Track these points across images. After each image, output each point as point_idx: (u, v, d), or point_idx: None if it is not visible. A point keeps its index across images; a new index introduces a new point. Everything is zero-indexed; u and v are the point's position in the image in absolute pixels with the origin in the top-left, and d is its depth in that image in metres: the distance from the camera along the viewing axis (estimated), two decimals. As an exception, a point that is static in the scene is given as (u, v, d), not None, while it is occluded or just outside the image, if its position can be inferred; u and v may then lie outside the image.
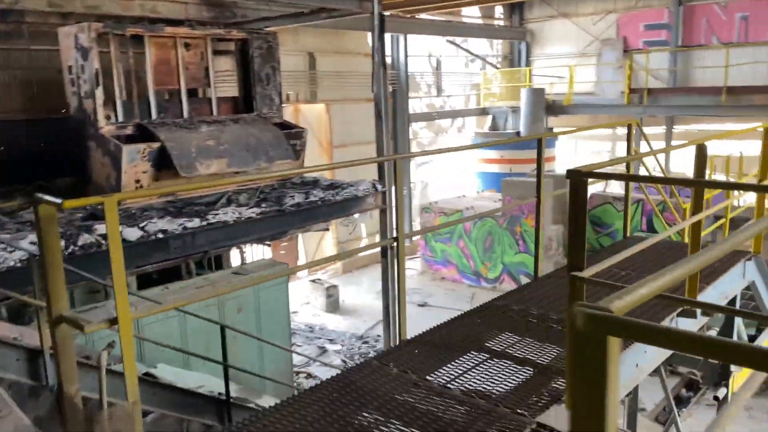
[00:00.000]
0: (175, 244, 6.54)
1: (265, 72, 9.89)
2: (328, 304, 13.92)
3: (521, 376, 3.50)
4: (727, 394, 6.08)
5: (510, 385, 3.41)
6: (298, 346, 11.65)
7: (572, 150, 22.80)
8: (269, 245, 9.15)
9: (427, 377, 3.50)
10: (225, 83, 11.77)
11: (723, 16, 18.89)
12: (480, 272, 15.61)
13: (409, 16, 17.71)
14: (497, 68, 22.62)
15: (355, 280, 16.65)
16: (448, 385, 3.40)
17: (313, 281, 14.68)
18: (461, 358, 3.71)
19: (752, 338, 6.81)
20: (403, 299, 4.02)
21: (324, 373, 11.05)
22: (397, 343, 4.00)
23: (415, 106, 19.38)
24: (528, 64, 22.89)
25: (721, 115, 17.91)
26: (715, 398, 6.07)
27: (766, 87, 16.63)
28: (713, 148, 19.81)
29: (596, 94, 20.62)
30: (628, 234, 6.79)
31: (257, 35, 9.59)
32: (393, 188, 3.93)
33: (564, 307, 4.52)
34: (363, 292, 15.18)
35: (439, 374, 3.53)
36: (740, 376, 6.21)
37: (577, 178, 2.97)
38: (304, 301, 14.30)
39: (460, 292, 15.37)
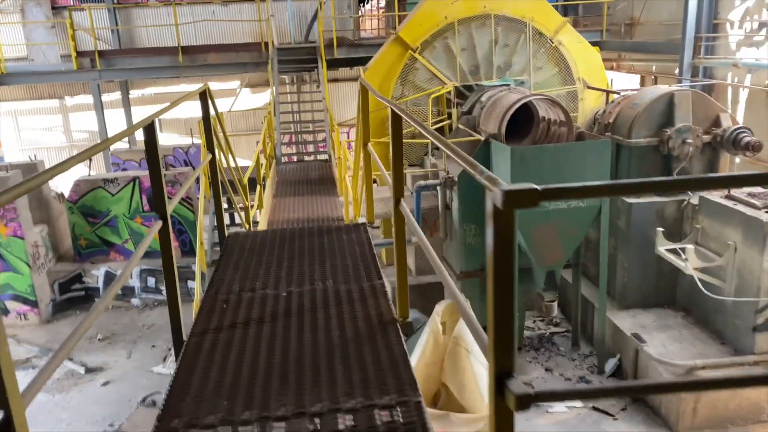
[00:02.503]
0: None
1: None
2: None
3: None
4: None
5: None
6: None
7: (14, 129, 18.72)
8: None
9: None
10: None
11: (155, -27, 18.07)
12: (-59, 315, 11.13)
13: None
14: None
15: None
16: None
17: None
18: None
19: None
20: None
21: None
22: None
23: None
24: None
25: (179, 75, 17.43)
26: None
27: (218, 46, 16.86)
28: (173, 111, 19.34)
29: (32, 60, 17.12)
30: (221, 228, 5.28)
31: None
32: None
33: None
34: None
35: None
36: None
37: (514, 206, 1.43)
38: None
39: None
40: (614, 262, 9.64)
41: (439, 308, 8.97)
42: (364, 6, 22.89)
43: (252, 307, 3.82)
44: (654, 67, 15.51)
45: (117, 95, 19.02)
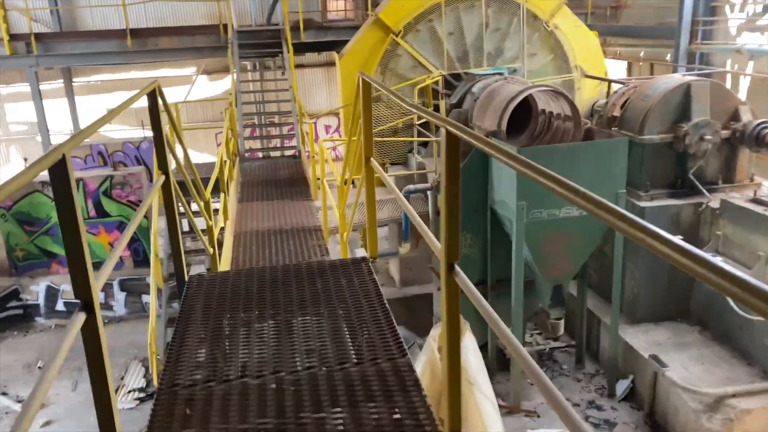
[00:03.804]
0: None
1: None
2: None
3: None
4: None
5: None
6: None
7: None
8: None
9: None
10: None
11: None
12: None
13: None
14: None
15: None
16: None
17: None
18: None
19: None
20: None
21: None
22: None
23: None
24: None
25: (129, 62, 15.82)
26: None
27: (171, 28, 15.29)
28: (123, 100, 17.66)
29: (-41, 43, 15.24)
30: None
31: None
32: None
33: None
34: None
35: None
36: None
37: None
38: None
39: None
40: (621, 271, 8.71)
41: (435, 332, 7.88)
42: (329, -14, 21.43)
43: (228, 410, 2.65)
44: (642, 53, 14.66)
45: (59, 83, 17.24)
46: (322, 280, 3.94)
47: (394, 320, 3.35)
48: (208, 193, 5.81)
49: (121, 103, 2.83)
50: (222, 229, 7.38)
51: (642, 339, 8.30)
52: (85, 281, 2.02)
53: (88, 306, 2.04)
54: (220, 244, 7.01)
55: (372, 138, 4.04)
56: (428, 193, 8.63)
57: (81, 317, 2.01)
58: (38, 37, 14.08)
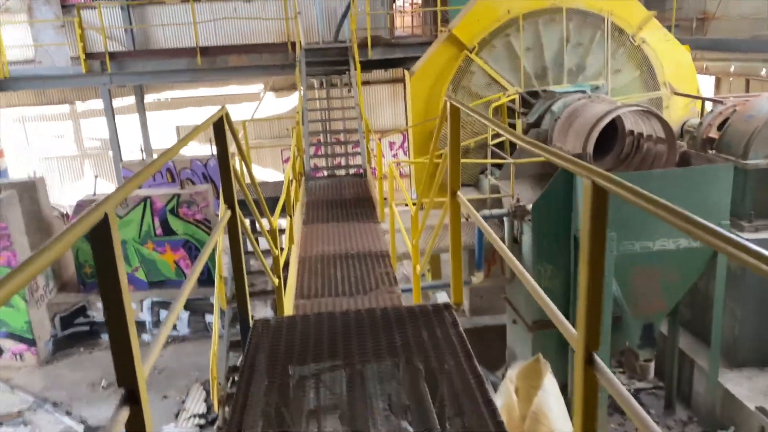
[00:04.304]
0: None
1: None
2: None
3: None
4: None
5: None
6: None
7: (22, 138, 17.39)
8: None
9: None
10: None
11: (172, -33, 16.62)
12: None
13: None
14: None
15: None
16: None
17: None
18: None
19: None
20: None
21: None
22: None
23: None
24: None
25: (197, 80, 15.94)
26: None
27: (240, 46, 15.35)
28: (192, 117, 17.92)
29: (40, 62, 15.79)
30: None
31: None
32: None
33: None
34: None
35: None
36: None
37: None
38: None
39: None
40: (722, 310, 7.86)
41: (513, 372, 7.26)
42: (395, 2, 21.23)
43: (298, 507, 2.20)
44: (732, 68, 13.65)
45: (131, 100, 17.61)
46: (400, 331, 3.47)
47: (489, 390, 2.84)
48: (275, 221, 5.47)
49: (181, 138, 2.47)
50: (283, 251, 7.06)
51: (745, 386, 7.44)
52: (130, 366, 1.63)
53: (133, 396, 1.65)
54: (286, 265, 6.69)
55: (459, 170, 3.57)
56: (504, 219, 8.06)
57: (125, 411, 1.62)
58: (112, 55, 14.37)
